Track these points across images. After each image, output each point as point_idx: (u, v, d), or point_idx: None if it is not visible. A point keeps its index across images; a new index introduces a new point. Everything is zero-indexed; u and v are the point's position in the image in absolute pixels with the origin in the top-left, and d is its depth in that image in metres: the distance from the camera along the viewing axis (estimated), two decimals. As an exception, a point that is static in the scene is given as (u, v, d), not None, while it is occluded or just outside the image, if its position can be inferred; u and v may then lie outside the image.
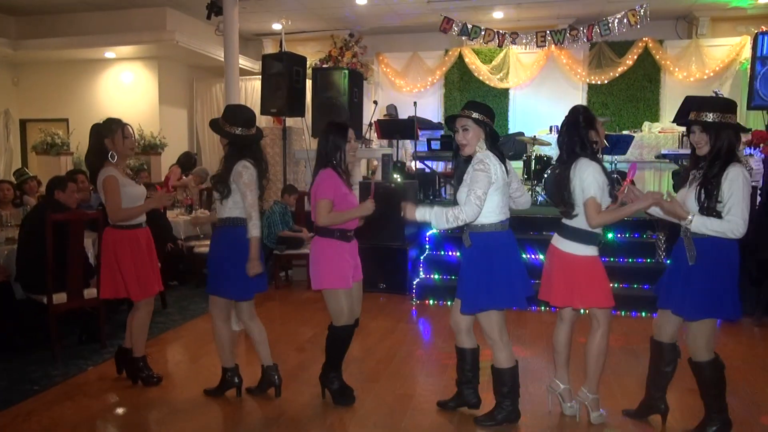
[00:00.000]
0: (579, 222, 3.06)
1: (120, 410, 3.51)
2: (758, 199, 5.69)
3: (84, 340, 4.60)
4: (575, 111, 3.13)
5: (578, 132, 3.07)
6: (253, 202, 3.33)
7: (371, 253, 6.35)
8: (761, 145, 6.81)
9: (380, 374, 3.99)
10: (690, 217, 2.81)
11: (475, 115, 3.03)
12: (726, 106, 2.90)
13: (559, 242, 3.15)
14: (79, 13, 10.07)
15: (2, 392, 3.66)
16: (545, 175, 7.78)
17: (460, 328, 3.31)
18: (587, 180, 2.96)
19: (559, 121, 11.21)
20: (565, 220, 3.14)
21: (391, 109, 10.03)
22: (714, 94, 6.99)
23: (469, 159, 3.08)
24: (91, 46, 10.14)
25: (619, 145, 8.04)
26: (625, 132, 9.27)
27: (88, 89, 11.09)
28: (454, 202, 3.12)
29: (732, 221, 2.76)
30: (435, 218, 2.97)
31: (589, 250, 3.06)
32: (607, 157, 8.12)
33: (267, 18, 10.25)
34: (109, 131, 3.65)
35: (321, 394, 3.56)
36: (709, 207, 2.80)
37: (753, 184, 6.32)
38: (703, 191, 2.82)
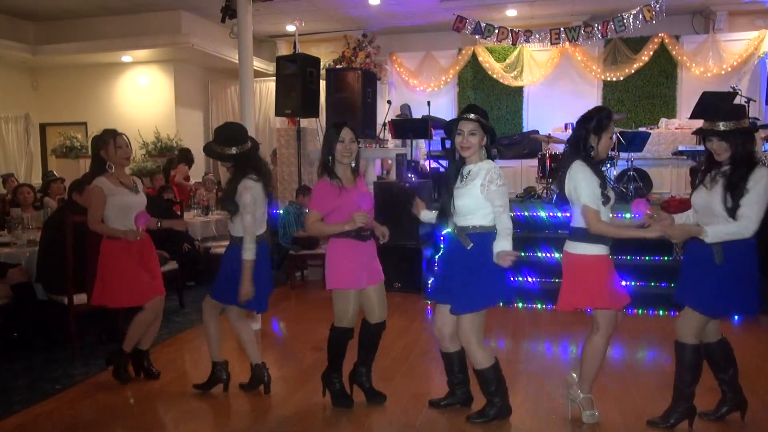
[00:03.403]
0: (583, 222, 3.03)
1: (139, 409, 3.56)
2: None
3: (104, 339, 4.67)
4: (597, 110, 3.11)
5: (584, 130, 3.05)
6: (249, 224, 3.33)
7: (386, 252, 6.30)
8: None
9: (395, 373, 4.00)
10: (705, 233, 2.84)
11: (483, 120, 3.05)
12: (738, 112, 2.94)
13: (570, 245, 3.12)
14: (96, 18, 10.22)
15: (24, 391, 3.73)
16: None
17: (443, 334, 3.32)
18: (579, 186, 2.98)
19: (574, 119, 11.11)
20: (571, 222, 3.13)
21: (405, 108, 10.04)
22: (731, 90, 6.91)
23: (462, 161, 3.12)
24: (108, 51, 10.30)
25: (636, 142, 7.97)
26: (641, 129, 9.19)
27: (106, 93, 11.24)
28: (446, 204, 3.12)
29: (744, 218, 2.81)
30: (509, 244, 2.95)
31: (597, 249, 3.03)
32: (623, 155, 8.07)
33: (280, 20, 10.32)
34: (102, 143, 3.69)
35: (321, 392, 3.56)
36: (736, 209, 2.84)
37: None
38: (729, 195, 2.86)
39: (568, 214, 6.59)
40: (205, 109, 11.89)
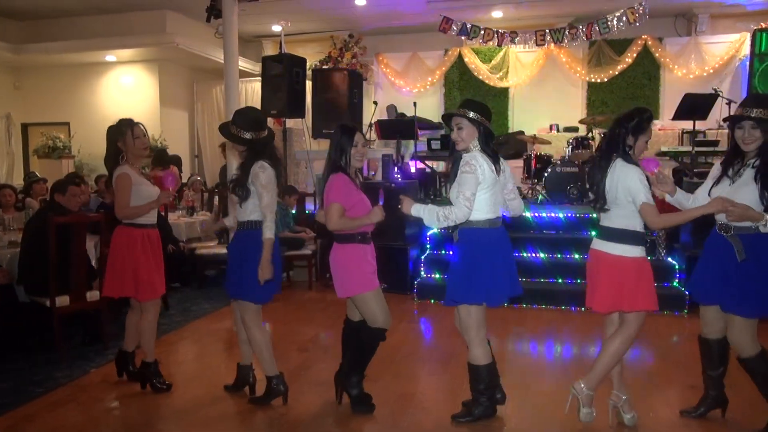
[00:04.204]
0: (621, 222, 2.98)
1: (123, 411, 3.53)
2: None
3: (87, 341, 4.63)
4: (638, 111, 3.03)
5: (623, 129, 3.00)
6: (268, 203, 3.29)
7: (372, 253, 6.37)
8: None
9: (382, 373, 4.00)
10: (765, 220, 2.81)
11: (470, 114, 3.05)
12: None
13: (604, 245, 3.03)
14: (80, 17, 10.12)
15: (6, 394, 3.69)
16: (545, 174, 7.78)
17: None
18: (633, 186, 2.89)
19: (559, 120, 11.19)
20: (604, 222, 3.06)
21: (391, 109, 10.05)
22: (713, 91, 7.00)
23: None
24: (92, 50, 10.20)
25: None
26: (625, 130, 9.27)
27: (90, 93, 11.14)
28: (449, 200, 3.16)
29: None
30: (428, 216, 3.00)
31: (638, 251, 2.97)
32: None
33: (266, 20, 10.28)
34: (119, 133, 3.62)
35: (336, 397, 3.50)
36: None
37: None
38: (766, 190, 2.84)
39: (554, 214, 6.65)
40: (191, 109, 11.82)
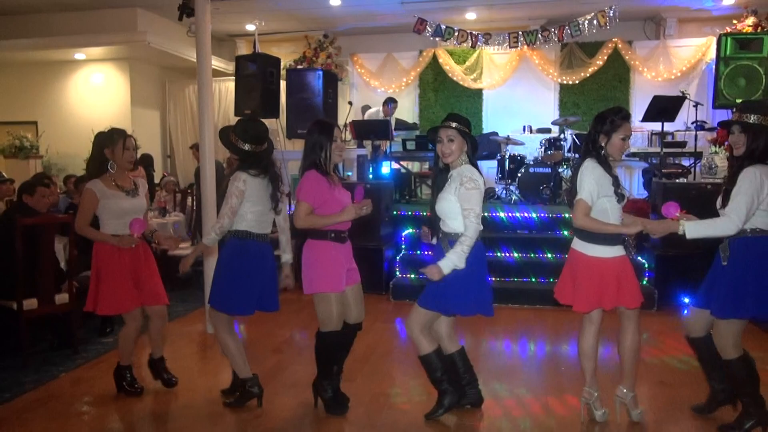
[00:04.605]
0: None
1: (93, 416, 3.47)
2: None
3: (56, 346, 4.54)
4: (611, 110, 3.09)
5: (593, 130, 3.08)
6: (223, 213, 3.25)
7: (347, 253, 6.35)
8: (726, 143, 6.99)
9: (357, 373, 4.01)
10: (681, 228, 2.85)
11: (462, 127, 3.11)
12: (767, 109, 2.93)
13: (582, 246, 3.07)
14: (48, 14, 9.88)
15: (-29, 401, 3.60)
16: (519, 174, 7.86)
17: (441, 335, 3.34)
18: (583, 181, 2.98)
19: (532, 121, 11.31)
20: None
21: (366, 109, 10.04)
22: (681, 94, 7.15)
23: (446, 168, 3.16)
24: (60, 47, 9.97)
25: (591, 144, 8.15)
26: (596, 131, 9.40)
27: (58, 91, 10.90)
28: (432, 211, 3.21)
29: (727, 215, 2.83)
30: (458, 261, 2.98)
31: (615, 251, 3.02)
32: (578, 155, 8.25)
33: (240, 19, 10.19)
34: (110, 141, 3.56)
35: (314, 400, 3.47)
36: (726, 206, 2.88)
37: (718, 180, 6.49)
38: (723, 192, 2.92)
39: (527, 214, 6.71)
40: (162, 108, 11.64)
